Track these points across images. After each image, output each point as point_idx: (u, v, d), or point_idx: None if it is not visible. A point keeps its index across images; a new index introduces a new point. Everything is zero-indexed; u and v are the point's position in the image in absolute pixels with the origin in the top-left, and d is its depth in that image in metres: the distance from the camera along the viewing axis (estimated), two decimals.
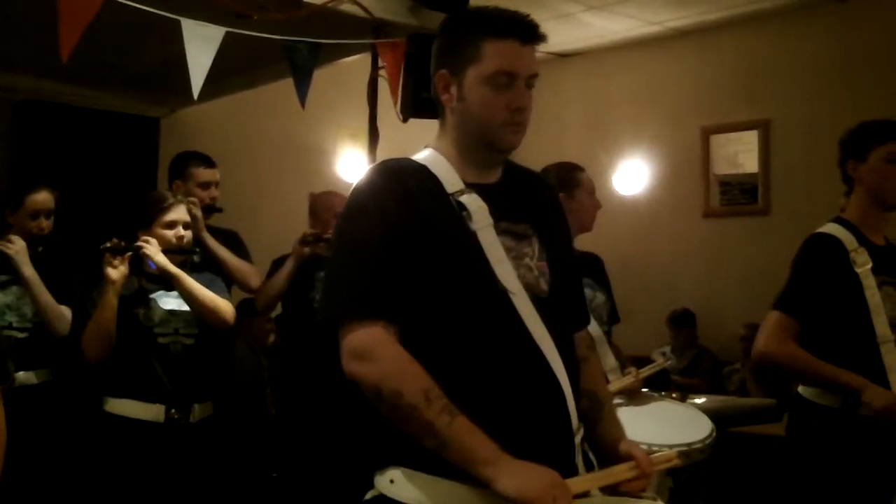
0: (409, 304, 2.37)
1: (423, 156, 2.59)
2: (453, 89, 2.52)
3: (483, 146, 2.53)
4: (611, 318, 4.78)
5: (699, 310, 8.57)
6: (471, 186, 2.50)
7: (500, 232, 2.47)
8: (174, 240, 4.53)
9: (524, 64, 2.49)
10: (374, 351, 2.33)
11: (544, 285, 2.51)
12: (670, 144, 9.17)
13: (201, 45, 4.71)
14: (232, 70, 5.53)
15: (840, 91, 7.72)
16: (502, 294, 2.41)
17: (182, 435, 4.42)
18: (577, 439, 2.48)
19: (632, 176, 9.43)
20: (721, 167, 8.87)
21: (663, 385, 5.47)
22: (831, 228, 3.89)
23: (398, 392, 2.28)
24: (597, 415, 2.65)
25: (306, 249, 5.51)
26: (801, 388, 3.93)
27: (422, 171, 2.52)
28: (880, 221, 3.97)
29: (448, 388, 2.29)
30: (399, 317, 2.37)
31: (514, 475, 2.21)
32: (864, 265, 3.75)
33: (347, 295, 2.41)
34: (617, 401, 3.97)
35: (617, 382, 4.32)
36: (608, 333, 4.64)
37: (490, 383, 2.37)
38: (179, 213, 4.60)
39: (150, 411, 4.37)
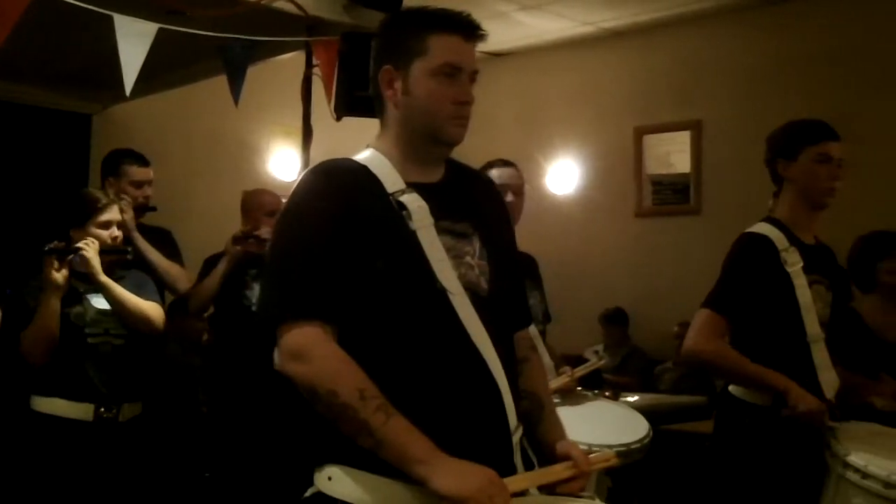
0: (348, 304, 2.38)
1: (363, 156, 2.59)
2: (398, 84, 2.53)
3: (428, 140, 2.54)
4: (544, 318, 4.80)
5: (631, 308, 8.61)
6: (412, 186, 2.51)
7: (440, 231, 2.48)
8: (109, 240, 4.49)
9: (468, 59, 2.53)
10: (309, 350, 2.33)
11: (485, 284, 2.53)
12: (603, 144, 9.21)
13: (134, 41, 4.67)
14: (165, 66, 5.50)
15: (770, 92, 7.79)
16: (441, 294, 2.42)
17: (111, 434, 4.40)
18: (516, 439, 2.49)
19: (565, 175, 9.45)
20: (653, 167, 8.92)
21: (596, 384, 5.49)
22: (762, 228, 3.92)
23: (333, 391, 2.28)
24: (537, 415, 2.66)
25: (238, 248, 5.49)
26: (730, 387, 3.96)
27: (362, 171, 2.53)
28: (810, 221, 4.00)
29: (387, 388, 2.30)
30: (337, 317, 2.37)
31: (449, 474, 2.21)
32: (795, 264, 3.79)
33: (284, 295, 2.41)
34: (553, 401, 3.99)
35: (552, 382, 4.33)
36: (542, 333, 4.66)
37: (428, 383, 2.38)
38: (113, 213, 4.57)
39: (78, 410, 4.35)
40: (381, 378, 2.32)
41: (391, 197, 2.48)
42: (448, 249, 2.47)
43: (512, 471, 2.43)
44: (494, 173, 4.41)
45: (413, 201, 2.47)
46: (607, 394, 5.19)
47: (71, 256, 4.33)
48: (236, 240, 5.52)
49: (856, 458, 3.33)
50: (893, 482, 3.19)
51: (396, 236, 2.43)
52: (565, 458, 2.52)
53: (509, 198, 4.29)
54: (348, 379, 2.30)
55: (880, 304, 4.82)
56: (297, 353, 2.34)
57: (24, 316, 4.33)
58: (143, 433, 4.57)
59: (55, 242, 4.31)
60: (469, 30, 2.53)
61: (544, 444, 2.62)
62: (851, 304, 4.79)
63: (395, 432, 2.25)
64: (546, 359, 4.44)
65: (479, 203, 2.68)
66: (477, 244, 2.56)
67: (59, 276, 4.27)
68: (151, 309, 4.56)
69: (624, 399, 5.45)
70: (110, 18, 4.60)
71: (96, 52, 5.23)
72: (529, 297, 4.49)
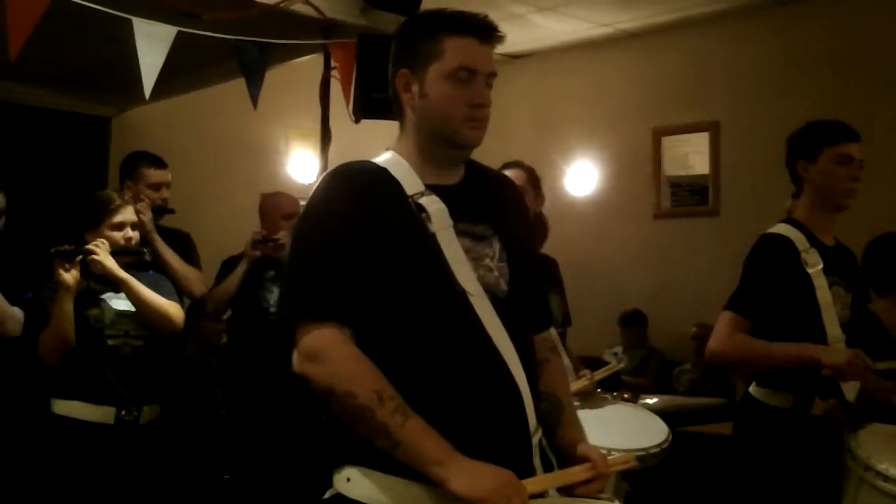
0: (367, 306, 2.38)
1: (382, 158, 2.59)
2: (414, 88, 2.53)
3: (444, 143, 2.54)
4: (564, 321, 4.80)
5: (649, 310, 8.60)
6: (431, 188, 2.51)
7: (459, 233, 2.48)
8: (122, 241, 4.50)
9: (484, 61, 2.52)
10: (326, 352, 2.34)
11: (504, 286, 2.52)
12: (621, 145, 9.20)
13: (152, 44, 4.68)
14: (183, 69, 5.50)
15: (787, 93, 7.78)
16: (461, 295, 2.41)
17: (131, 437, 4.40)
18: (535, 440, 2.49)
19: (582, 177, 9.45)
20: (671, 168, 8.91)
21: (614, 386, 5.49)
22: (782, 229, 3.91)
23: (351, 393, 2.29)
24: (556, 417, 2.65)
25: (257, 251, 5.50)
26: (751, 388, 3.95)
27: (381, 173, 2.53)
28: (829, 222, 3.99)
29: (406, 390, 2.31)
30: (354, 319, 2.38)
31: (466, 475, 2.21)
32: (815, 265, 3.78)
33: (301, 297, 2.42)
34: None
35: (572, 385, 4.33)
36: (562, 335, 4.66)
37: (448, 384, 2.37)
38: (127, 214, 4.57)
39: (98, 413, 4.35)
40: (400, 380, 2.32)
41: (410, 199, 2.48)
42: (467, 251, 2.47)
43: (531, 472, 2.43)
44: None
45: (432, 203, 2.47)
46: (626, 396, 5.18)
47: (80, 257, 4.33)
48: (255, 243, 5.54)
49: (877, 462, 3.31)
50: None
51: (416, 239, 2.43)
52: (584, 459, 2.52)
53: None
54: (366, 380, 2.30)
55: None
56: (314, 354, 2.34)
57: (42, 319, 4.34)
58: (162, 435, 4.57)
59: (65, 245, 4.32)
60: (485, 32, 2.53)
61: (564, 446, 2.61)
62: (869, 306, 4.78)
63: (412, 434, 2.26)
64: (565, 361, 4.44)
65: (499, 205, 2.68)
66: (496, 246, 2.56)
67: (69, 277, 4.26)
68: (171, 307, 4.56)
69: (643, 401, 5.44)
70: (129, 22, 4.61)
71: (114, 56, 5.25)
72: (549, 299, 4.50)
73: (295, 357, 2.38)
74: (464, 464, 2.24)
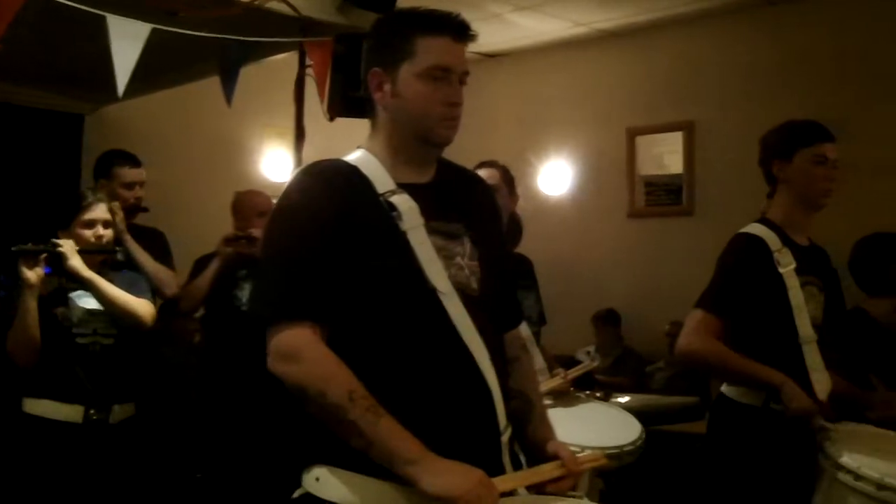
0: (338, 304, 2.38)
1: (354, 156, 2.60)
2: (387, 86, 2.54)
3: (418, 141, 2.55)
4: (539, 320, 4.81)
5: (624, 309, 8.61)
6: (403, 186, 2.52)
7: (431, 231, 2.48)
8: (93, 239, 4.47)
9: (457, 60, 2.53)
10: (300, 351, 2.34)
11: (475, 284, 2.53)
12: (597, 145, 9.21)
13: (127, 41, 4.66)
14: (158, 67, 5.47)
15: (762, 93, 7.79)
16: (432, 293, 2.42)
17: (101, 436, 4.38)
18: (505, 438, 2.49)
19: (558, 176, 9.45)
20: (646, 168, 8.91)
21: (589, 385, 5.50)
22: (755, 229, 3.92)
23: (323, 392, 2.29)
24: (527, 415, 2.67)
25: (230, 249, 5.49)
26: (723, 387, 3.97)
27: (352, 171, 2.53)
28: (804, 222, 4.00)
29: (377, 388, 2.31)
30: (327, 318, 2.38)
31: (438, 474, 2.23)
32: (787, 265, 3.79)
33: (275, 296, 2.42)
34: (545, 402, 3.99)
35: (546, 383, 4.35)
36: (537, 334, 4.67)
37: (418, 382, 2.39)
38: (99, 212, 4.54)
39: (68, 412, 4.32)
40: (371, 378, 2.33)
41: (381, 198, 2.48)
42: (439, 250, 2.48)
43: (500, 471, 2.44)
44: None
45: (403, 202, 2.48)
46: (599, 395, 5.20)
47: (44, 255, 4.31)
48: (227, 241, 5.53)
49: (849, 460, 3.32)
50: (886, 484, 3.19)
51: (387, 237, 2.43)
52: (554, 457, 2.53)
53: None
54: (338, 380, 2.30)
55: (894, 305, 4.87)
56: (287, 353, 2.35)
57: (11, 317, 4.31)
58: (134, 435, 4.55)
59: (28, 244, 4.29)
60: (458, 31, 2.53)
61: (534, 444, 2.63)
62: (862, 305, 4.82)
63: (384, 433, 2.26)
64: (539, 360, 4.45)
65: (470, 203, 2.69)
66: (468, 245, 2.57)
67: (32, 275, 4.23)
68: (139, 304, 4.53)
69: (616, 400, 5.45)
70: (103, 19, 4.59)
71: (89, 52, 5.22)
72: (524, 298, 4.52)
73: (269, 355, 2.39)
74: (435, 463, 2.25)
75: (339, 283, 2.38)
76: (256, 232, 5.44)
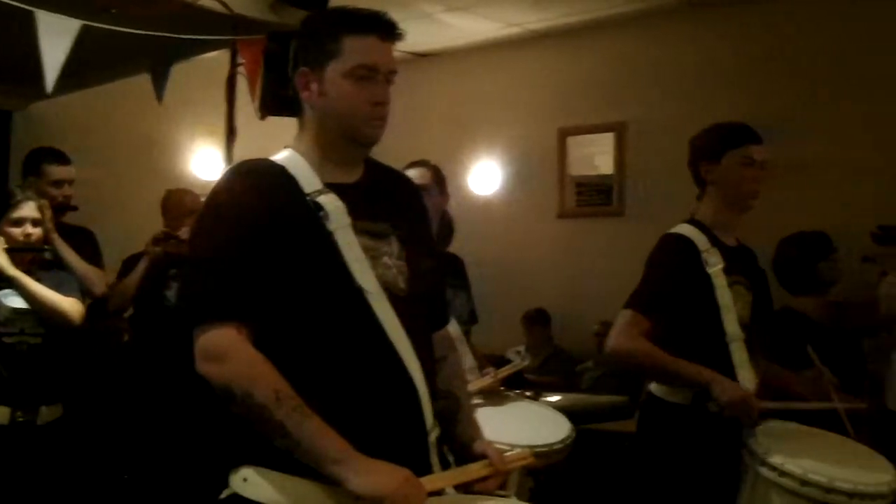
0: (265, 304, 2.38)
1: (281, 156, 2.59)
2: (314, 86, 2.54)
3: (345, 141, 2.55)
4: (470, 318, 4.82)
5: (554, 309, 8.63)
6: (330, 186, 2.51)
7: (358, 231, 2.48)
8: (21, 237, 4.43)
9: (384, 59, 2.53)
10: (225, 352, 2.34)
11: (402, 284, 2.54)
12: (527, 145, 9.22)
13: (56, 37, 4.62)
14: (88, 63, 5.43)
15: (693, 95, 7.85)
16: (359, 293, 2.42)
17: (28, 437, 4.33)
18: (432, 438, 2.50)
19: (488, 176, 9.46)
20: (577, 168, 8.95)
21: (519, 384, 5.51)
22: (684, 229, 3.95)
23: (249, 393, 2.29)
24: (454, 415, 2.67)
25: (158, 248, 5.46)
26: (652, 386, 4.00)
27: (280, 171, 2.53)
28: (732, 223, 4.04)
29: (304, 388, 2.31)
30: (252, 317, 2.38)
31: (364, 474, 2.23)
32: (715, 265, 3.82)
33: (201, 296, 2.42)
34: (476, 401, 4.01)
35: (476, 383, 4.35)
36: (467, 333, 4.68)
37: (345, 382, 2.39)
38: (27, 210, 4.50)
39: None
40: (298, 378, 2.33)
41: (308, 197, 2.48)
42: (366, 249, 2.48)
43: (428, 470, 2.45)
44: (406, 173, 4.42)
45: (330, 202, 2.48)
46: (529, 394, 5.22)
47: None
48: (156, 240, 5.50)
49: (773, 457, 3.37)
50: (810, 480, 3.25)
51: (313, 237, 2.44)
52: (482, 457, 2.54)
53: None
54: (264, 380, 2.30)
55: (823, 302, 4.97)
56: (213, 354, 2.34)
57: None
58: (62, 437, 4.50)
59: None
60: (385, 30, 2.53)
61: (461, 444, 2.64)
62: (789, 304, 4.90)
63: (310, 433, 2.26)
64: (470, 359, 4.46)
65: (398, 203, 2.69)
66: (395, 244, 2.57)
67: None
68: (67, 303, 4.48)
69: (546, 399, 5.48)
70: (32, 14, 4.54)
71: (17, 48, 5.16)
72: (455, 297, 4.53)
73: (195, 356, 2.38)
74: (362, 462, 2.26)
75: (266, 283, 2.38)
76: (185, 231, 5.41)
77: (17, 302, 4.40)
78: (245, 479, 2.40)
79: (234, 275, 2.37)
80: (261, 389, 2.28)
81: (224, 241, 2.41)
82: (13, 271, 4.33)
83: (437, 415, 2.56)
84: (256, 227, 2.39)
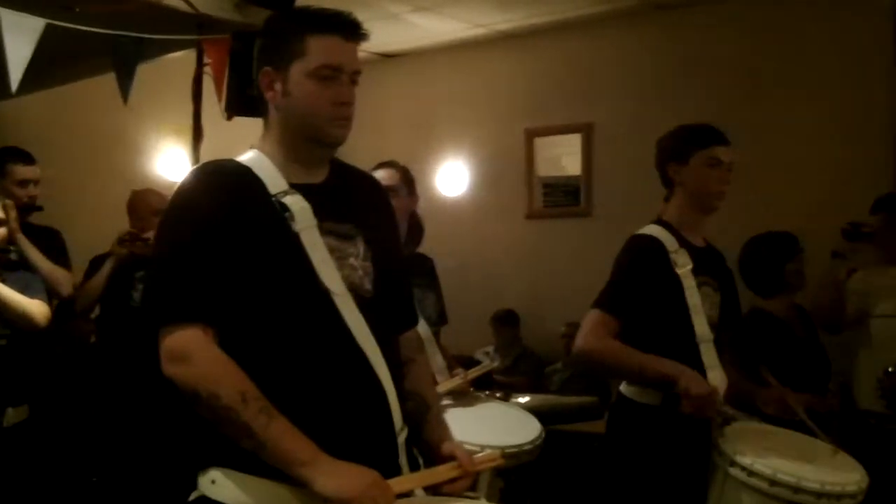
0: (230, 306, 2.37)
1: (246, 157, 2.58)
2: (278, 86, 2.52)
3: (309, 141, 2.54)
4: (439, 319, 4.81)
5: (522, 310, 8.65)
6: (295, 187, 2.51)
7: (324, 232, 2.48)
8: None
9: (348, 59, 2.52)
10: (190, 353, 2.33)
11: (368, 285, 2.53)
12: (495, 146, 9.24)
13: (20, 36, 4.59)
14: (53, 63, 5.40)
15: (660, 96, 7.87)
16: (324, 294, 2.42)
17: None
18: (401, 440, 2.50)
19: (455, 177, 9.47)
20: (544, 169, 8.98)
21: (487, 385, 5.52)
22: (652, 230, 3.96)
23: (215, 394, 2.28)
24: (422, 416, 2.67)
25: (124, 249, 5.43)
26: (622, 387, 4.00)
27: (244, 172, 2.52)
28: (699, 223, 4.05)
29: (271, 390, 2.30)
30: (218, 319, 2.37)
31: (332, 476, 2.23)
32: (684, 266, 3.83)
33: (164, 297, 2.41)
34: (445, 402, 4.01)
35: (446, 384, 4.36)
36: (436, 334, 4.68)
37: (312, 384, 2.38)
38: None
39: None
40: (265, 380, 2.32)
41: (273, 198, 2.47)
42: (332, 250, 2.47)
43: (397, 472, 2.45)
44: (377, 174, 4.41)
45: (295, 202, 2.47)
46: (499, 395, 5.22)
47: None
48: (121, 241, 5.47)
49: (742, 457, 3.38)
50: (779, 480, 3.26)
51: (278, 238, 2.43)
52: (451, 458, 2.54)
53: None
54: (230, 381, 2.29)
55: (790, 303, 4.99)
56: (178, 355, 2.33)
57: None
58: (28, 439, 4.48)
59: None
60: (348, 29, 2.52)
61: (430, 445, 2.64)
62: (758, 305, 4.93)
63: (277, 434, 2.26)
64: (439, 360, 4.46)
65: (364, 204, 2.68)
66: (361, 245, 2.57)
67: None
68: (33, 305, 4.46)
69: (515, 400, 5.48)
70: None
71: None
72: (425, 297, 4.52)
73: (160, 357, 2.37)
74: (329, 464, 2.25)
75: (231, 284, 2.37)
76: (151, 232, 5.39)
77: None
78: (213, 482, 2.39)
79: (198, 275, 2.36)
80: (226, 391, 2.27)
81: (187, 242, 2.40)
82: None
83: (406, 416, 2.55)
84: (219, 227, 2.38)
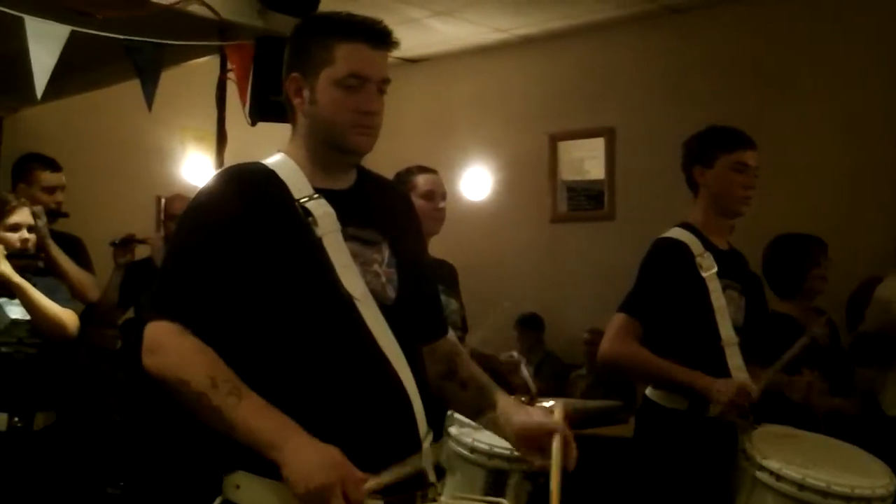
0: (249, 309, 2.36)
1: (273, 160, 2.57)
2: (305, 92, 2.51)
3: (332, 148, 2.52)
4: (463, 326, 4.80)
5: (545, 314, 8.64)
6: (320, 192, 2.49)
7: (347, 238, 2.46)
8: (18, 243, 4.41)
9: (376, 68, 2.49)
10: (162, 343, 2.32)
11: (391, 292, 2.51)
12: (517, 150, 9.23)
13: (45, 43, 4.62)
14: (77, 70, 5.43)
15: (682, 99, 7.86)
16: (347, 300, 2.40)
17: (25, 443, 4.33)
18: (426, 445, 2.48)
19: (478, 182, 9.47)
20: (567, 173, 8.98)
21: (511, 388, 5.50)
22: (677, 233, 3.95)
23: (184, 380, 2.26)
24: (489, 400, 2.64)
25: (128, 256, 5.50)
26: (648, 391, 3.99)
27: (269, 175, 2.51)
28: (724, 227, 4.04)
29: (294, 397, 2.29)
30: (198, 322, 2.34)
31: (296, 464, 2.17)
32: (709, 269, 3.82)
33: (156, 292, 2.42)
34: None
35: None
36: (461, 339, 4.66)
37: (335, 390, 2.36)
38: (23, 215, 4.49)
39: None
40: (289, 387, 2.31)
41: (297, 203, 2.45)
42: (355, 256, 2.45)
43: (422, 477, 2.42)
44: (421, 179, 4.39)
45: (319, 207, 2.45)
46: (523, 398, 5.20)
47: None
48: (115, 248, 5.52)
49: (770, 461, 3.36)
50: (808, 484, 3.24)
51: (300, 243, 2.41)
52: (526, 433, 2.56)
53: (441, 204, 4.37)
54: (199, 367, 2.27)
55: (806, 307, 4.98)
56: (149, 346, 2.33)
57: None
58: (57, 441, 4.50)
59: None
60: (377, 37, 2.50)
61: (506, 424, 2.60)
62: (773, 308, 4.89)
63: (245, 415, 2.22)
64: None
65: (389, 211, 2.67)
66: (385, 252, 2.54)
67: None
68: (66, 315, 4.47)
69: (540, 403, 5.46)
70: (21, 20, 4.52)
71: (6, 54, 5.15)
72: (448, 304, 4.50)
73: None
74: (294, 452, 2.18)
75: (249, 286, 2.36)
76: (152, 236, 5.44)
77: (14, 312, 4.39)
78: (238, 486, 2.37)
79: (190, 277, 2.37)
80: (196, 376, 2.25)
81: (195, 242, 2.41)
82: (18, 279, 4.32)
83: (464, 406, 2.60)
84: (232, 231, 2.37)
